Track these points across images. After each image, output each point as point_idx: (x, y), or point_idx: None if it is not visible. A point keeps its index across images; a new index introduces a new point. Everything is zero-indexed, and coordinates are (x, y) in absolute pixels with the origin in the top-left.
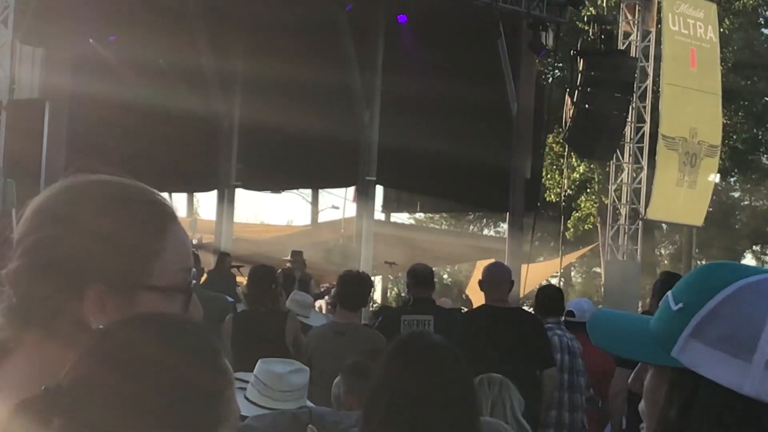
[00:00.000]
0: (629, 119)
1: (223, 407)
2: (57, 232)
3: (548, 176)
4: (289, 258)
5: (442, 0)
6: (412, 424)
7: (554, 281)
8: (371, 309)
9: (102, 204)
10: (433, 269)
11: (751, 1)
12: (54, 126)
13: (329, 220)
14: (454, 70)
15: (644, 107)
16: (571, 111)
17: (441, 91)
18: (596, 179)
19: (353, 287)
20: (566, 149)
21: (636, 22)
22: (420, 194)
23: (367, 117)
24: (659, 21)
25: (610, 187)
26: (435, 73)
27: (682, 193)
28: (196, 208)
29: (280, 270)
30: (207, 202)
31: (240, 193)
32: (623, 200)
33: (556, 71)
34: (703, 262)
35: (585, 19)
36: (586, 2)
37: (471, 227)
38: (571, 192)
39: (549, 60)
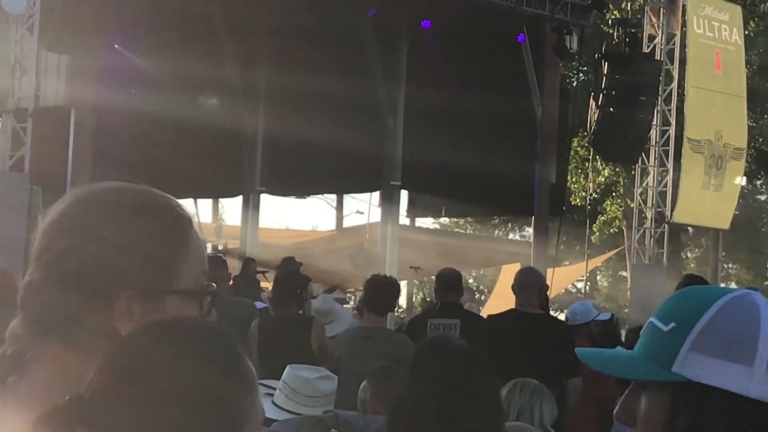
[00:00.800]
0: (654, 122)
1: (245, 413)
2: (77, 242)
3: (573, 180)
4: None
5: (465, 4)
6: (436, 430)
7: (580, 285)
8: (396, 314)
9: (123, 211)
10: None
11: None
12: (79, 133)
13: (354, 225)
14: (479, 75)
15: (669, 110)
16: (596, 114)
17: (465, 96)
18: (622, 183)
19: (381, 292)
20: (591, 153)
21: (661, 25)
22: (445, 199)
23: (391, 122)
24: (684, 24)
25: (635, 190)
26: (459, 78)
27: (708, 196)
28: (221, 214)
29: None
30: (232, 208)
31: (265, 199)
32: (649, 204)
33: (581, 75)
34: (730, 266)
35: (609, 22)
36: (611, 5)
37: (496, 231)
38: (596, 196)
39: (573, 64)
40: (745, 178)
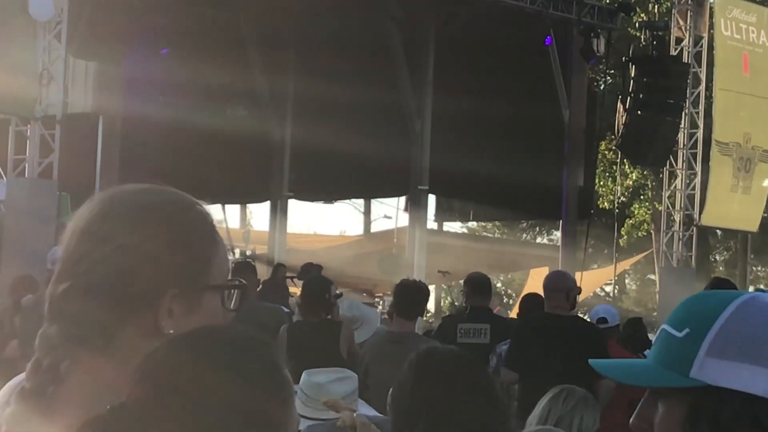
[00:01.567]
0: (682, 125)
1: (281, 424)
2: (111, 250)
3: (601, 183)
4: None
5: (492, 8)
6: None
7: (608, 289)
8: (425, 318)
9: (153, 212)
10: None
11: None
12: (107, 140)
13: (382, 230)
14: (505, 79)
15: (697, 113)
16: (624, 118)
17: (492, 100)
18: (650, 186)
19: (410, 296)
20: (619, 156)
21: (688, 27)
22: (472, 203)
23: (418, 126)
24: (711, 26)
25: (663, 193)
26: (486, 82)
27: (737, 198)
28: (249, 220)
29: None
30: (260, 214)
31: (293, 204)
32: (677, 206)
33: (608, 78)
34: (759, 268)
35: (636, 25)
36: (638, 9)
37: (524, 235)
38: (624, 199)
39: (601, 67)
40: None
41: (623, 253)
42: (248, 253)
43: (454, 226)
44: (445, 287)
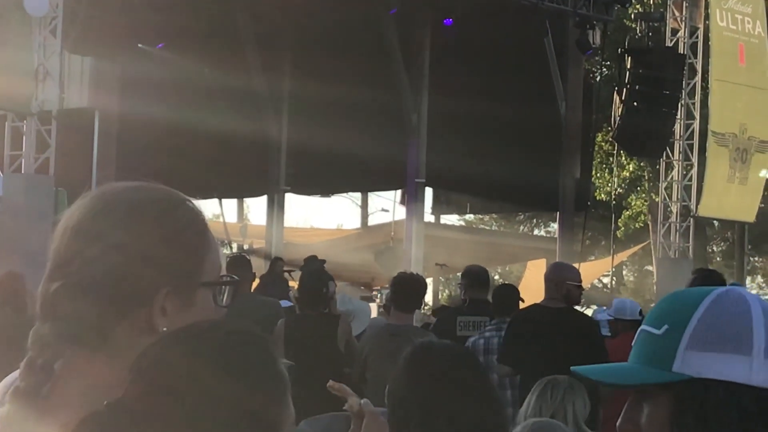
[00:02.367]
0: (678, 116)
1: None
2: (103, 249)
3: (598, 175)
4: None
5: (488, 1)
6: (447, 428)
7: (606, 280)
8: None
9: (145, 210)
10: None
11: None
12: (103, 136)
13: (379, 223)
14: (501, 72)
15: (693, 104)
16: (620, 109)
17: (489, 92)
18: (646, 177)
19: (407, 289)
20: (615, 147)
21: (683, 18)
22: (469, 195)
23: (415, 120)
24: (707, 17)
25: (660, 184)
26: (482, 75)
27: (733, 189)
28: (246, 214)
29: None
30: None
31: (289, 198)
32: (674, 198)
33: (604, 70)
34: (756, 259)
35: (632, 16)
36: (633, 0)
37: (521, 228)
38: (621, 190)
39: (596, 58)
40: None
41: (620, 245)
42: (245, 247)
43: (451, 219)
44: (442, 280)
